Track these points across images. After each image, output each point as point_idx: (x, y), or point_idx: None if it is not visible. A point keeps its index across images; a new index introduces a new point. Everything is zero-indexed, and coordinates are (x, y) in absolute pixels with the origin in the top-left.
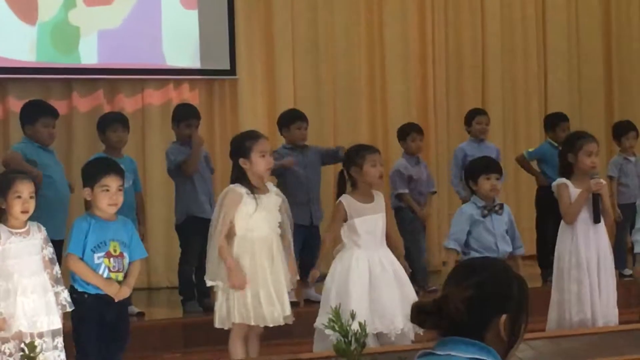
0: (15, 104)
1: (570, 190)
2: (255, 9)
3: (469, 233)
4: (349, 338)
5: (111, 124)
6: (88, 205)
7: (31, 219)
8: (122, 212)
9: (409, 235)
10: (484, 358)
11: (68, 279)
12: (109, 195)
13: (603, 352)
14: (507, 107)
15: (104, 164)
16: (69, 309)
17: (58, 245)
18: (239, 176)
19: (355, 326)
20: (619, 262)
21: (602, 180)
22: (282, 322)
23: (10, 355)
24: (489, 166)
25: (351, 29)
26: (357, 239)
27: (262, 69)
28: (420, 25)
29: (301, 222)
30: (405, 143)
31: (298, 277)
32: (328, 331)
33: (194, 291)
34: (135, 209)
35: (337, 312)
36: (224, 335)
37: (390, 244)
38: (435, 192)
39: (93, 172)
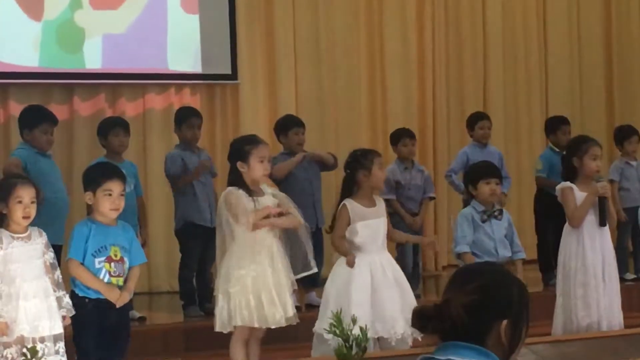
0: (17, 108)
1: (576, 194)
2: (256, 13)
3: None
4: (350, 343)
5: (113, 128)
6: (90, 210)
7: (31, 224)
8: (123, 217)
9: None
10: None
11: (68, 284)
12: (112, 200)
13: (605, 356)
14: (509, 111)
15: (107, 169)
16: (72, 313)
17: (57, 251)
18: (236, 179)
19: (356, 331)
20: (620, 267)
21: (606, 183)
22: (284, 324)
23: (12, 359)
24: (488, 171)
25: (352, 33)
26: (358, 243)
27: (263, 74)
28: (420, 28)
29: (307, 225)
30: (397, 148)
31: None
32: (328, 336)
33: (195, 296)
34: (136, 214)
35: (338, 317)
36: (224, 340)
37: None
38: (434, 197)
39: (96, 177)
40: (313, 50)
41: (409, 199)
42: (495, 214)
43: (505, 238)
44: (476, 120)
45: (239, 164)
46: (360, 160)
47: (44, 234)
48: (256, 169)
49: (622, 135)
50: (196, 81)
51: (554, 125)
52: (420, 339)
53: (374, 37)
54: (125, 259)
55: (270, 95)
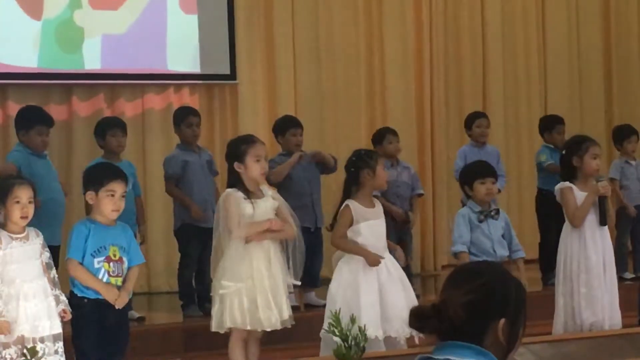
0: (16, 109)
1: (576, 193)
2: (255, 14)
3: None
4: (349, 342)
5: (111, 129)
6: (89, 210)
7: (27, 225)
8: (122, 217)
9: None
10: None
11: (67, 284)
12: (114, 201)
13: (603, 356)
14: (508, 110)
15: (111, 170)
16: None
17: (55, 251)
18: (234, 181)
19: (356, 330)
20: (619, 266)
21: (607, 182)
22: (279, 327)
23: None
24: (483, 170)
25: (351, 33)
26: (362, 243)
27: (262, 74)
28: (419, 28)
29: (306, 225)
30: (382, 146)
31: (299, 283)
32: (336, 338)
33: (194, 296)
34: (135, 214)
35: (337, 317)
36: (224, 340)
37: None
38: (422, 194)
39: (99, 177)
40: (312, 50)
41: (398, 196)
42: (492, 213)
43: (502, 238)
44: (473, 119)
45: (235, 165)
46: (365, 160)
47: (40, 234)
48: (253, 168)
49: (622, 135)
50: (195, 81)
51: (550, 124)
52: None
53: (373, 37)
54: (124, 259)
55: (269, 95)
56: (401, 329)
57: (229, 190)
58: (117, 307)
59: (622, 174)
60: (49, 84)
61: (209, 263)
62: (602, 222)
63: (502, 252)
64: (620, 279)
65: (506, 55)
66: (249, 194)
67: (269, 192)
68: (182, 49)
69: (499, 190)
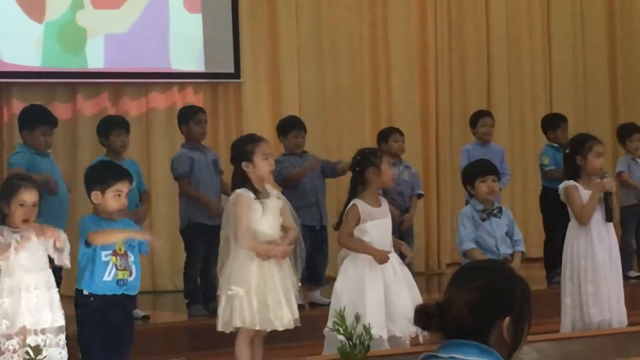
0: (20, 107)
1: (581, 191)
2: (259, 13)
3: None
4: (354, 341)
5: (114, 128)
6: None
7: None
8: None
9: None
10: None
11: (73, 282)
12: (120, 200)
13: (608, 354)
14: (513, 109)
15: (117, 170)
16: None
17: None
18: (241, 180)
19: (360, 329)
20: (624, 264)
21: (611, 179)
22: (292, 326)
23: (15, 351)
24: (483, 169)
25: (355, 31)
26: (369, 242)
27: (266, 73)
28: (424, 27)
29: (311, 223)
30: (387, 145)
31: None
32: (340, 337)
33: (199, 295)
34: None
35: (342, 315)
36: (229, 339)
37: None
38: (422, 195)
39: (105, 177)
40: (316, 49)
41: (399, 194)
42: (495, 212)
43: (506, 235)
44: (478, 118)
45: (244, 164)
46: (369, 158)
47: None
48: (261, 166)
49: (625, 133)
50: (199, 80)
51: (555, 122)
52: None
53: (377, 35)
54: (129, 253)
55: (273, 94)
56: (406, 328)
57: (239, 190)
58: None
59: (628, 171)
60: (53, 82)
61: (215, 262)
62: (608, 218)
63: (506, 250)
64: (625, 277)
65: (511, 54)
66: (258, 194)
67: (274, 191)
68: (186, 47)
69: (500, 189)
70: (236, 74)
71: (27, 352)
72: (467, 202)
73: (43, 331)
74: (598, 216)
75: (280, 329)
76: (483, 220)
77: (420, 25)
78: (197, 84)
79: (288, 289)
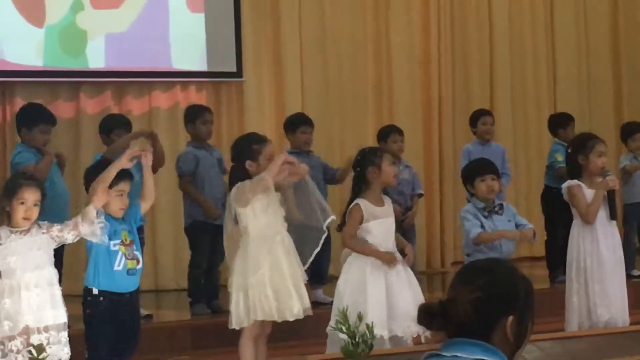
0: None
1: (584, 190)
2: (261, 12)
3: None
4: (357, 340)
5: (116, 128)
6: None
7: None
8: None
9: None
10: (491, 359)
11: (74, 281)
12: (123, 200)
13: (611, 353)
14: (517, 107)
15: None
16: None
17: (58, 248)
18: (243, 178)
19: (363, 328)
20: (626, 263)
21: (614, 177)
22: (302, 316)
23: (18, 352)
24: (482, 168)
25: (357, 30)
26: (372, 242)
27: (268, 71)
28: (426, 25)
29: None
30: (386, 144)
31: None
32: (343, 335)
33: (203, 294)
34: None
35: (345, 314)
36: (232, 338)
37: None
38: (422, 194)
39: None
40: (319, 48)
41: (399, 193)
42: (496, 209)
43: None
44: (478, 117)
45: (248, 163)
46: (369, 157)
47: (43, 223)
48: (266, 167)
49: (628, 131)
50: (201, 79)
51: (563, 121)
52: (430, 337)
53: (380, 34)
54: (133, 241)
55: (276, 92)
56: (408, 328)
57: (240, 183)
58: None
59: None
60: (56, 81)
61: (219, 261)
62: (612, 216)
63: (509, 246)
64: (628, 276)
65: (514, 52)
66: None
67: None
68: (188, 47)
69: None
70: (238, 73)
71: (29, 352)
72: (468, 202)
73: (46, 329)
74: (602, 214)
75: (291, 319)
76: (485, 217)
77: (423, 23)
78: (200, 83)
79: (297, 278)
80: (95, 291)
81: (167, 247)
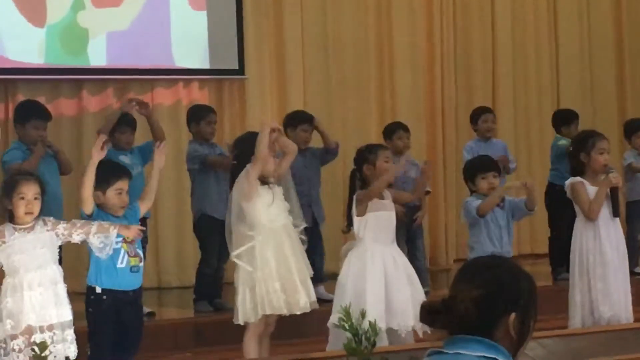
0: None
1: (587, 187)
2: (264, 9)
3: (472, 226)
4: (360, 337)
5: (119, 126)
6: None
7: None
8: (135, 197)
9: None
10: (493, 356)
11: (76, 278)
12: (122, 198)
13: (614, 350)
14: (519, 106)
15: (116, 168)
16: None
17: None
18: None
19: (366, 325)
20: (630, 260)
21: (617, 174)
22: (309, 309)
23: (20, 351)
24: (484, 165)
25: (360, 27)
26: (372, 234)
27: (271, 69)
28: (429, 23)
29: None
30: (391, 142)
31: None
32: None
33: (208, 292)
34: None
35: (347, 311)
36: (234, 335)
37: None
38: (430, 192)
39: (105, 176)
40: (321, 45)
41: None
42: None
43: (512, 217)
44: (479, 114)
45: (253, 158)
46: (365, 155)
47: (49, 220)
48: (270, 162)
49: (632, 128)
50: (203, 76)
51: (570, 118)
52: (429, 332)
53: (383, 32)
54: (135, 240)
55: (278, 90)
56: (403, 322)
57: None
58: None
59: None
60: (58, 80)
61: (225, 259)
62: (615, 213)
63: (509, 239)
64: (632, 273)
65: (516, 51)
66: (266, 181)
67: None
68: (190, 45)
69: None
70: (240, 71)
71: (32, 349)
72: None
73: (50, 327)
74: (605, 212)
75: (298, 312)
76: None
77: (426, 20)
78: (202, 80)
79: (303, 272)
80: (98, 289)
81: (170, 245)
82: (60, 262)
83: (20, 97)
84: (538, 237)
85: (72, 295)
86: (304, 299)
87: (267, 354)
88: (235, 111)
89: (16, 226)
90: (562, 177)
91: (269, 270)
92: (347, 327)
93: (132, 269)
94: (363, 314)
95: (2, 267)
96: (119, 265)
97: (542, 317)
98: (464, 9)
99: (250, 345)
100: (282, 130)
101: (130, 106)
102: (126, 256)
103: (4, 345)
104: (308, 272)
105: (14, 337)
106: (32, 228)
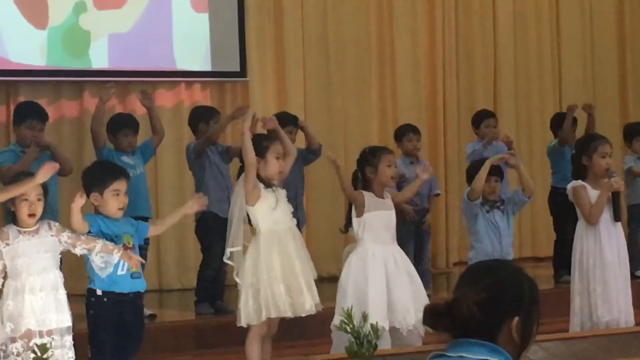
0: None
1: (589, 191)
2: (265, 12)
3: (473, 226)
4: (361, 339)
5: (122, 128)
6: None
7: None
8: (137, 200)
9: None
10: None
11: (77, 280)
12: (119, 199)
13: (616, 354)
14: (520, 108)
15: (113, 168)
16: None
17: None
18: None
19: (368, 327)
20: (631, 264)
21: (619, 178)
22: (314, 311)
23: (18, 354)
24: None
25: (361, 30)
26: (372, 233)
27: (272, 71)
28: (431, 24)
29: None
30: (401, 144)
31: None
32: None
33: (209, 294)
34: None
35: (349, 314)
36: (235, 337)
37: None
38: (439, 194)
39: (102, 177)
40: (322, 47)
41: (416, 194)
42: (498, 204)
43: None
44: (482, 119)
45: (256, 159)
46: (367, 157)
47: (54, 224)
48: (273, 164)
49: (632, 132)
50: (205, 79)
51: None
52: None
53: (384, 34)
54: (136, 246)
55: (280, 92)
56: (404, 320)
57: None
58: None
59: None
60: (60, 81)
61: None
62: (616, 217)
63: (508, 240)
64: (633, 276)
65: (518, 54)
66: (266, 184)
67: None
68: (192, 47)
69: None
70: (242, 73)
71: (33, 351)
72: None
73: (49, 332)
74: (606, 216)
75: (303, 314)
76: (487, 212)
77: (427, 21)
78: (205, 82)
79: (308, 274)
80: (99, 292)
81: (171, 247)
82: (61, 262)
83: (22, 99)
84: (539, 241)
85: (72, 297)
86: (309, 301)
87: (270, 356)
88: None
89: (21, 229)
90: (565, 181)
91: (274, 273)
92: (349, 330)
93: (134, 275)
94: (365, 317)
95: (6, 269)
96: (119, 272)
97: (544, 320)
98: (466, 10)
99: (253, 347)
100: (256, 116)
101: (107, 91)
102: (126, 263)
103: (3, 348)
104: (312, 274)
105: (13, 340)
106: (36, 232)
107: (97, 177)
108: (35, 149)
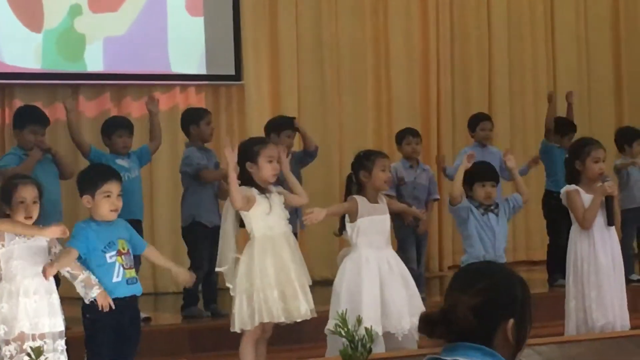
0: None
1: (582, 196)
2: (260, 15)
3: (465, 230)
4: (356, 343)
5: (117, 130)
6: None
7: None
8: (131, 202)
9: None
10: None
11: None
12: (111, 201)
13: (609, 358)
14: (515, 111)
15: (104, 171)
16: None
17: None
18: (246, 181)
19: (362, 331)
20: (625, 268)
21: (613, 182)
22: (309, 316)
23: (11, 357)
24: (484, 174)
25: (356, 32)
26: (366, 238)
27: (267, 74)
28: (425, 27)
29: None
30: (401, 147)
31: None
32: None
33: (198, 297)
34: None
35: (343, 318)
36: (230, 341)
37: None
38: (438, 199)
39: (93, 179)
40: (317, 51)
41: (415, 198)
42: (492, 208)
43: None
44: (477, 122)
45: (248, 165)
46: (361, 161)
47: None
48: (265, 168)
49: (627, 137)
50: (200, 82)
51: (563, 130)
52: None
53: (379, 37)
54: (131, 250)
55: (274, 95)
56: (399, 325)
57: (241, 187)
58: (186, 286)
59: (626, 175)
60: (55, 84)
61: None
62: (610, 222)
63: (502, 244)
64: (627, 280)
65: (513, 55)
66: (262, 190)
67: (273, 188)
68: (187, 50)
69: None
70: (237, 76)
71: (27, 354)
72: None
73: (42, 336)
74: (600, 220)
75: (298, 319)
76: (482, 215)
77: (422, 24)
78: (199, 86)
79: (302, 279)
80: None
81: (165, 250)
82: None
83: (17, 102)
84: (533, 244)
85: (68, 300)
86: (304, 306)
87: (264, 359)
88: (232, 117)
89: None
90: (559, 184)
91: (268, 278)
92: (343, 334)
93: (129, 281)
94: (359, 320)
95: (1, 271)
96: (114, 279)
97: (538, 324)
98: (461, 13)
99: (247, 351)
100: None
101: (69, 100)
102: (121, 269)
103: None
104: (307, 278)
105: (6, 342)
106: (32, 234)
107: (88, 180)
108: (38, 153)
